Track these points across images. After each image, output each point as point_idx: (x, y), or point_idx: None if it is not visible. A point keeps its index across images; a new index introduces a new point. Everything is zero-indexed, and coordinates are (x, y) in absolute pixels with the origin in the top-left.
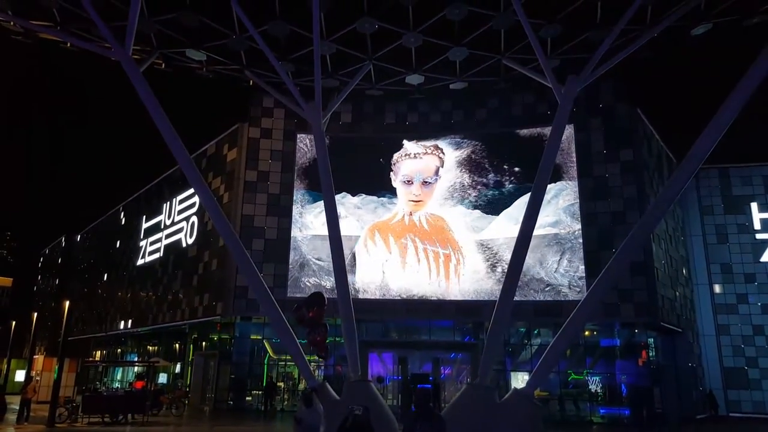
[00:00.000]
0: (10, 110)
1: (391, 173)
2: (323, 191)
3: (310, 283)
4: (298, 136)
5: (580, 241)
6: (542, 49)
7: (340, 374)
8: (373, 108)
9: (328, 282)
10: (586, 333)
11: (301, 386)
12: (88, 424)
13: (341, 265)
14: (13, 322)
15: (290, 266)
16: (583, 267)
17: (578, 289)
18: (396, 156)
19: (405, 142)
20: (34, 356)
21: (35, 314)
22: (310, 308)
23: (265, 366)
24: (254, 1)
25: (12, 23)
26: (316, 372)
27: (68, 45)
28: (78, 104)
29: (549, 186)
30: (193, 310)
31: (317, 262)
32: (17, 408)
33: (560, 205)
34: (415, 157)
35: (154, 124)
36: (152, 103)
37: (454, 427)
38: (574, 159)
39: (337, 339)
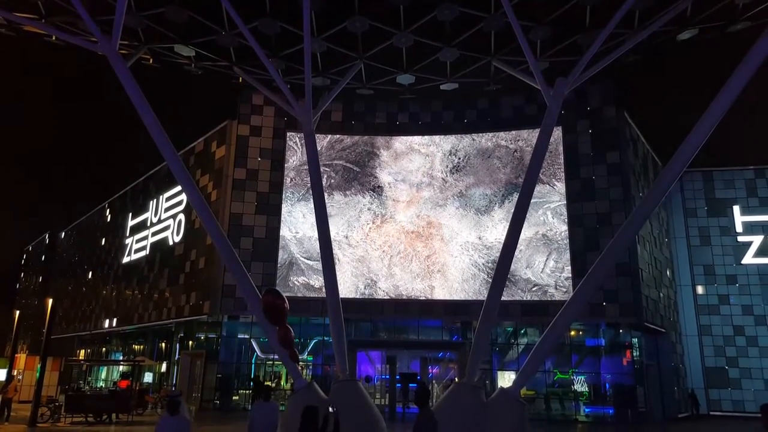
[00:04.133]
0: None
1: (381, 172)
2: (312, 190)
3: (298, 282)
4: (288, 134)
5: (567, 242)
6: (532, 51)
7: (329, 374)
8: (363, 107)
9: (317, 281)
10: (572, 333)
11: (287, 386)
12: (71, 423)
13: (330, 264)
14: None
15: (279, 265)
16: (569, 267)
17: (564, 290)
18: (386, 155)
19: (395, 141)
20: (16, 354)
21: (17, 312)
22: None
23: (253, 365)
24: None
25: None
26: (305, 371)
27: (53, 38)
28: (63, 98)
29: (537, 187)
30: (180, 309)
31: (306, 261)
32: None
33: (548, 207)
34: (405, 156)
35: (142, 120)
36: (138, 98)
37: (441, 426)
38: (562, 161)
39: (325, 338)
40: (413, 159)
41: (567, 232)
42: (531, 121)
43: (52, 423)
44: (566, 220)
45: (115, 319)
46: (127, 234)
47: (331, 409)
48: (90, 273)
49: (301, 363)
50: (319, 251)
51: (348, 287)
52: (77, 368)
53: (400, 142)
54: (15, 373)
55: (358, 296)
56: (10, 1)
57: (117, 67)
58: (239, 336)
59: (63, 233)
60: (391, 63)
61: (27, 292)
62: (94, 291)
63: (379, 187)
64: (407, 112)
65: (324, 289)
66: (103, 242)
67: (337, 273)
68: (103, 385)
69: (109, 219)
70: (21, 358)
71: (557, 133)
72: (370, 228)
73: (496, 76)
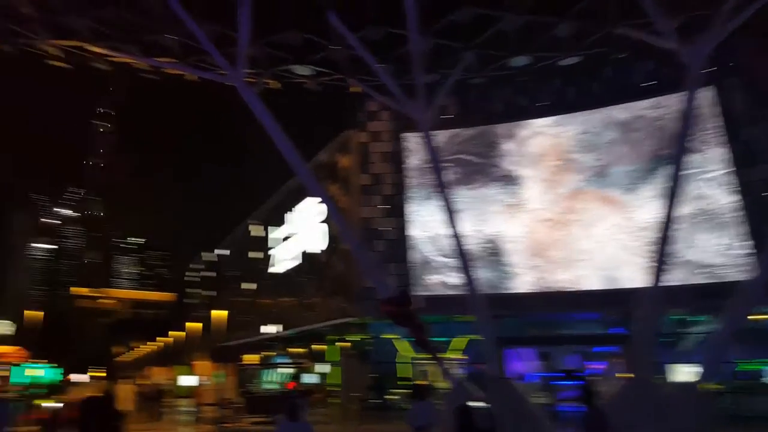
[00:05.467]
0: (152, 143)
1: (506, 161)
2: (437, 188)
3: (435, 280)
4: (406, 135)
5: (736, 214)
6: (660, 9)
7: (480, 372)
8: (479, 96)
9: (454, 279)
10: (759, 316)
11: (441, 384)
12: (252, 423)
13: (467, 260)
14: (183, 333)
15: (412, 265)
16: (742, 243)
17: (740, 268)
18: (509, 142)
19: (517, 126)
20: (197, 362)
21: (193, 324)
22: (392, 304)
23: (405, 365)
24: (349, 10)
25: (141, 62)
26: (456, 370)
27: (188, 76)
28: (202, 134)
29: (692, 156)
30: (330, 313)
31: (440, 259)
32: (187, 410)
33: (705, 177)
34: (529, 141)
35: (270, 140)
36: (270, 122)
37: (613, 425)
38: (716, 124)
39: (473, 337)
40: (539, 143)
41: (734, 204)
42: (671, 86)
43: (235, 423)
44: (731, 189)
45: (274, 326)
46: (275, 246)
47: (481, 405)
48: (249, 284)
49: (450, 362)
50: (452, 249)
51: (489, 283)
52: (249, 372)
53: (523, 127)
54: (203, 379)
55: (501, 291)
56: (152, 49)
57: (246, 96)
58: (388, 336)
59: (221, 250)
60: (502, 47)
61: (198, 306)
62: (254, 300)
63: (506, 176)
64: (526, 94)
65: (464, 287)
66: (255, 255)
67: (475, 269)
68: (273, 387)
69: (257, 233)
70: (201, 365)
71: (706, 93)
72: (502, 220)
73: (621, 43)
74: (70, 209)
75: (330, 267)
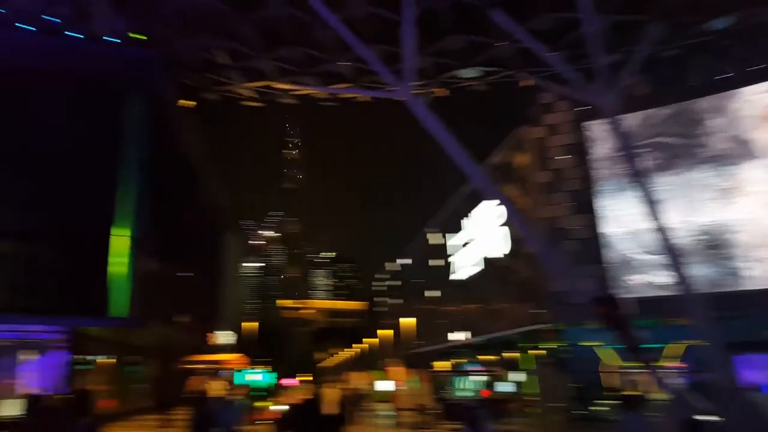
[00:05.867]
0: (336, 164)
1: (715, 139)
2: (631, 178)
3: (637, 280)
4: (589, 123)
5: None
6: None
7: (704, 382)
8: (671, 70)
9: (663, 278)
10: None
11: (654, 395)
12: (450, 430)
13: (677, 256)
14: (376, 340)
15: (609, 265)
16: None
17: None
18: (716, 117)
19: (722, 98)
20: (390, 368)
21: (384, 331)
22: (605, 305)
23: (610, 374)
24: (513, 4)
25: (319, 91)
26: (675, 380)
27: (360, 97)
28: (379, 149)
29: None
30: (520, 319)
31: (642, 257)
32: (385, 414)
33: None
34: (740, 113)
35: (441, 147)
36: (440, 131)
37: None
38: None
39: (691, 342)
40: (755, 113)
41: None
42: None
43: (434, 429)
44: None
45: (462, 332)
46: (454, 252)
47: (711, 420)
48: (432, 292)
49: (665, 370)
50: (657, 244)
51: (708, 280)
52: (441, 379)
53: (731, 98)
54: (398, 385)
55: (724, 289)
56: (327, 77)
57: (416, 108)
58: (587, 343)
59: (404, 260)
60: (697, 12)
61: (387, 314)
62: (439, 307)
63: (717, 156)
64: (730, 61)
65: (676, 286)
66: (436, 263)
67: (689, 265)
68: (467, 394)
69: (435, 242)
70: (395, 371)
71: None
72: (718, 207)
73: None
74: (271, 230)
75: (515, 272)
